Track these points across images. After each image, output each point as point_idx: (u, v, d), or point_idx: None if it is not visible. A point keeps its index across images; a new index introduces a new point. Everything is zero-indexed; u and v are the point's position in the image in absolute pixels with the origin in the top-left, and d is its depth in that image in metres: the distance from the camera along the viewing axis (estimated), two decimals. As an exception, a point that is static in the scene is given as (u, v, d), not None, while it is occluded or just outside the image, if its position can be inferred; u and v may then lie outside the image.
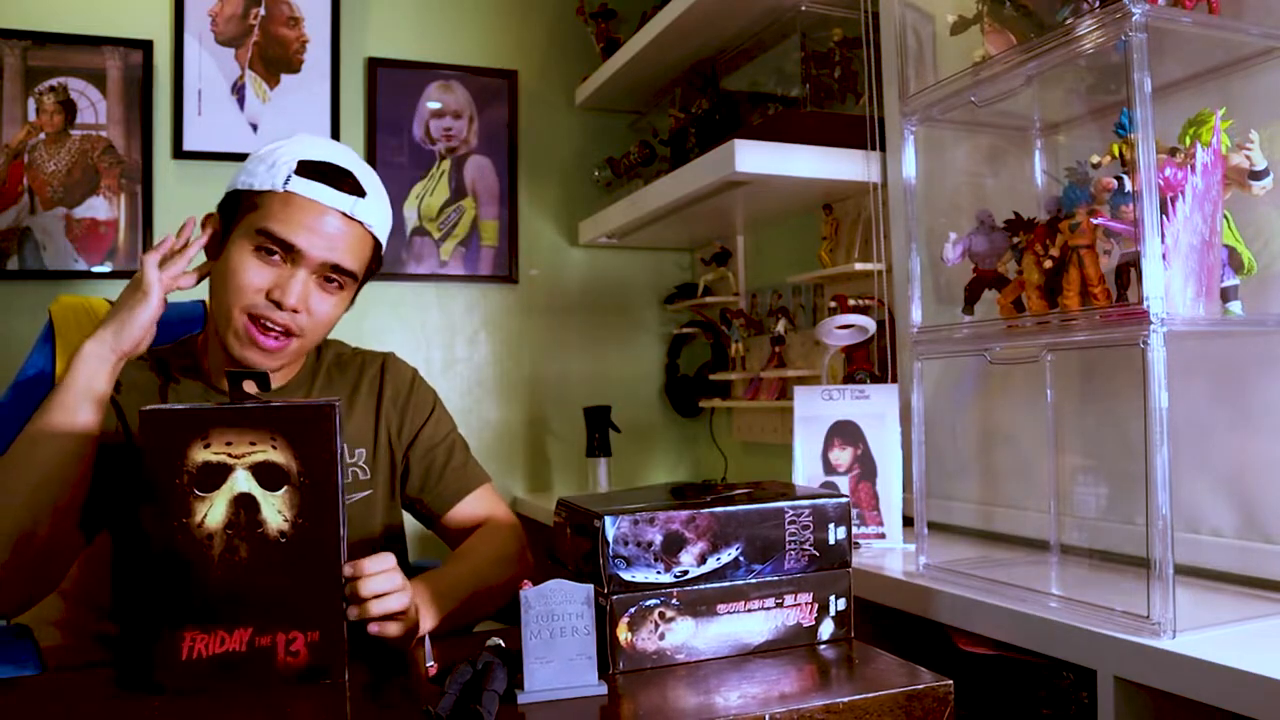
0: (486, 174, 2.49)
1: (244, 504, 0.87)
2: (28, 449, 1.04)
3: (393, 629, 0.94)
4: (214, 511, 0.87)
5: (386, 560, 0.94)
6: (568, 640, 0.81)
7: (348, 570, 0.91)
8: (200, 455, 0.87)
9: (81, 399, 1.05)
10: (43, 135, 2.12)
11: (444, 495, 1.30)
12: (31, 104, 2.12)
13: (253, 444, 0.88)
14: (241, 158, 2.22)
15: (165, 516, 0.87)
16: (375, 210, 1.17)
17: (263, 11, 2.29)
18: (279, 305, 1.11)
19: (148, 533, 0.87)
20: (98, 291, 2.05)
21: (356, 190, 1.15)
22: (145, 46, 2.19)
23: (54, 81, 2.13)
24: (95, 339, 1.08)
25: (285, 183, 1.11)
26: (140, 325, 1.09)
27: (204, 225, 1.19)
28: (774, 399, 2.12)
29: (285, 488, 0.88)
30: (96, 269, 2.15)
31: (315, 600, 0.89)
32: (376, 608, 0.92)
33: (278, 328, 1.12)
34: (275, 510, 0.88)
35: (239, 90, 2.27)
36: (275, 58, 2.30)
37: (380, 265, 1.25)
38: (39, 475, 1.03)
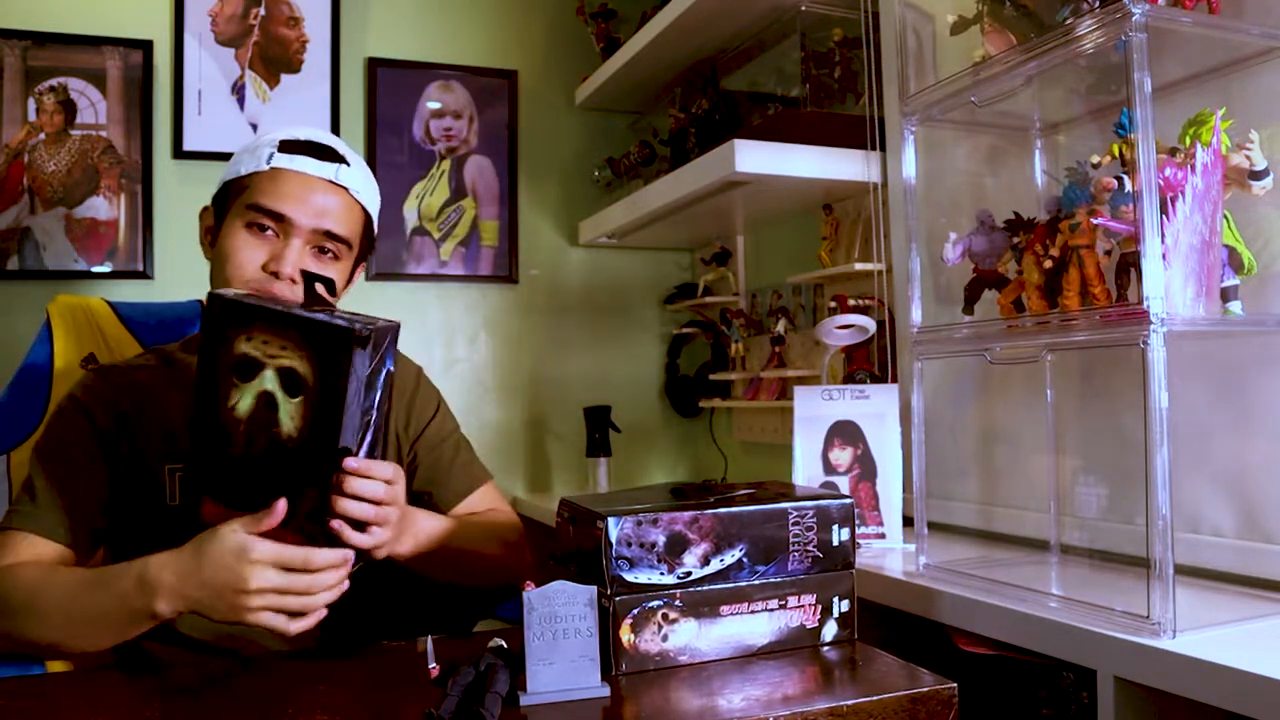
0: (486, 174, 2.49)
1: (266, 401, 0.93)
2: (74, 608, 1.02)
3: (357, 539, 0.97)
4: (243, 401, 0.94)
5: (386, 470, 0.98)
6: (570, 642, 0.81)
7: (351, 464, 0.94)
8: (242, 346, 0.94)
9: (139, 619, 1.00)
10: (43, 135, 2.12)
11: (450, 491, 1.31)
12: (31, 104, 2.12)
13: (283, 348, 0.93)
14: (241, 158, 2.24)
15: (210, 394, 0.94)
16: (360, 178, 1.20)
17: (263, 11, 2.29)
18: (277, 276, 1.12)
19: (194, 407, 0.96)
20: (98, 291, 2.05)
21: (339, 159, 1.18)
22: (145, 46, 2.19)
23: (54, 81, 2.13)
24: (169, 607, 0.98)
25: (269, 160, 1.15)
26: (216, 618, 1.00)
27: (200, 220, 1.23)
28: (774, 399, 2.12)
29: (300, 396, 0.92)
30: (96, 269, 2.15)
31: (313, 507, 0.93)
32: (353, 508, 0.95)
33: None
34: (288, 415, 0.93)
35: (239, 90, 2.27)
36: (275, 58, 2.30)
37: (373, 241, 1.27)
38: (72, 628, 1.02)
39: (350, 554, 0.97)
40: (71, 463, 1.14)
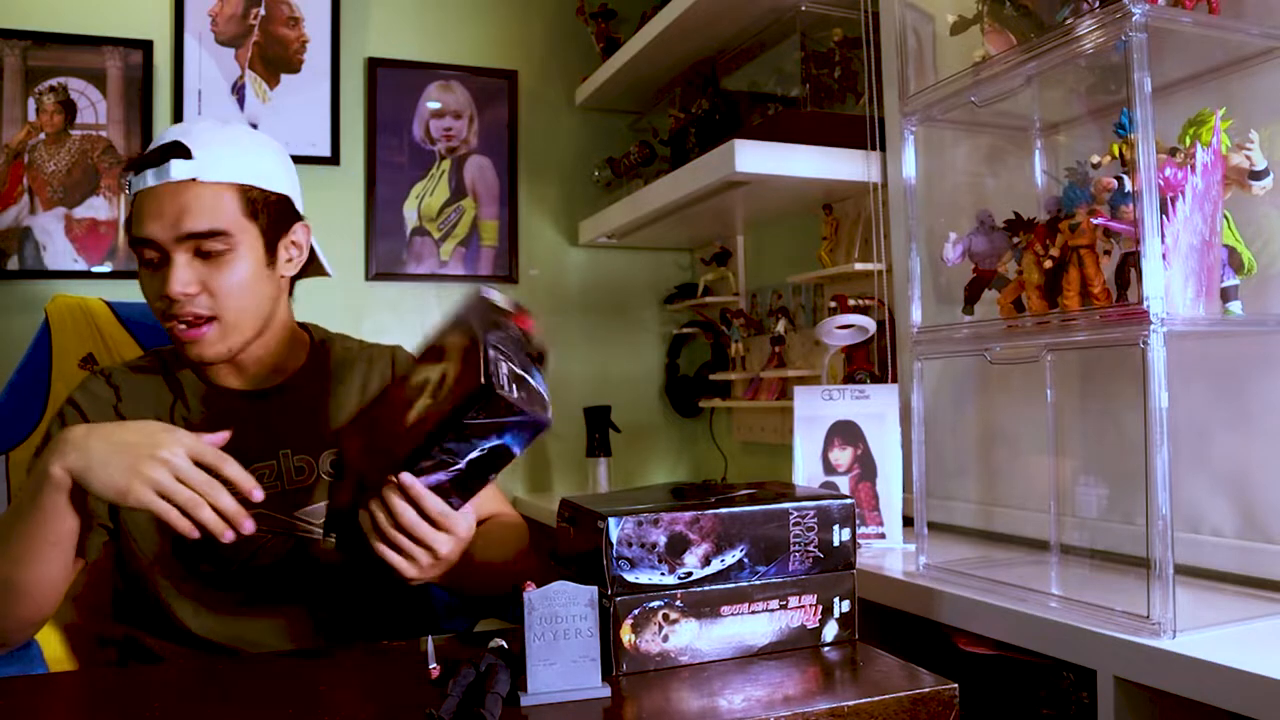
0: (486, 174, 2.49)
1: (435, 382, 0.96)
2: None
3: (409, 570, 0.95)
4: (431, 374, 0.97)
5: (444, 512, 0.95)
6: (571, 642, 0.81)
7: (406, 479, 0.91)
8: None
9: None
10: (43, 135, 2.12)
11: None
12: (31, 104, 2.12)
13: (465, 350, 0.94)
14: (241, 158, 2.24)
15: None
16: (212, 159, 1.10)
17: (263, 11, 2.29)
18: (172, 300, 1.09)
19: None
20: (98, 292, 2.05)
21: (179, 154, 1.09)
22: (145, 46, 2.19)
23: (54, 81, 2.13)
24: (61, 469, 0.95)
25: (130, 189, 1.12)
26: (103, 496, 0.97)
27: None
28: (774, 399, 2.12)
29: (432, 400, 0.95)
30: (96, 269, 2.15)
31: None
32: (381, 519, 0.94)
33: (187, 318, 1.11)
34: (421, 407, 0.95)
35: (239, 90, 2.27)
36: (275, 58, 2.30)
37: (280, 205, 1.17)
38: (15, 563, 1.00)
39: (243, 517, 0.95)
40: None
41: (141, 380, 1.21)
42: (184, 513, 0.91)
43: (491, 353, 0.87)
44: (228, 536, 0.93)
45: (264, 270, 1.15)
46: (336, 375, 1.27)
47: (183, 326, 1.11)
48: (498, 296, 0.98)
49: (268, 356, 1.22)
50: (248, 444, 1.18)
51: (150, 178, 1.09)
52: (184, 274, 1.09)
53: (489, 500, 1.33)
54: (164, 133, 1.15)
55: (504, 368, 0.88)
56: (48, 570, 1.00)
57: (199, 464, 0.94)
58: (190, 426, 1.14)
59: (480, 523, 1.30)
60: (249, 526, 0.94)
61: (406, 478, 0.91)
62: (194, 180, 1.09)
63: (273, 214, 1.16)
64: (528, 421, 0.90)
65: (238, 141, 1.15)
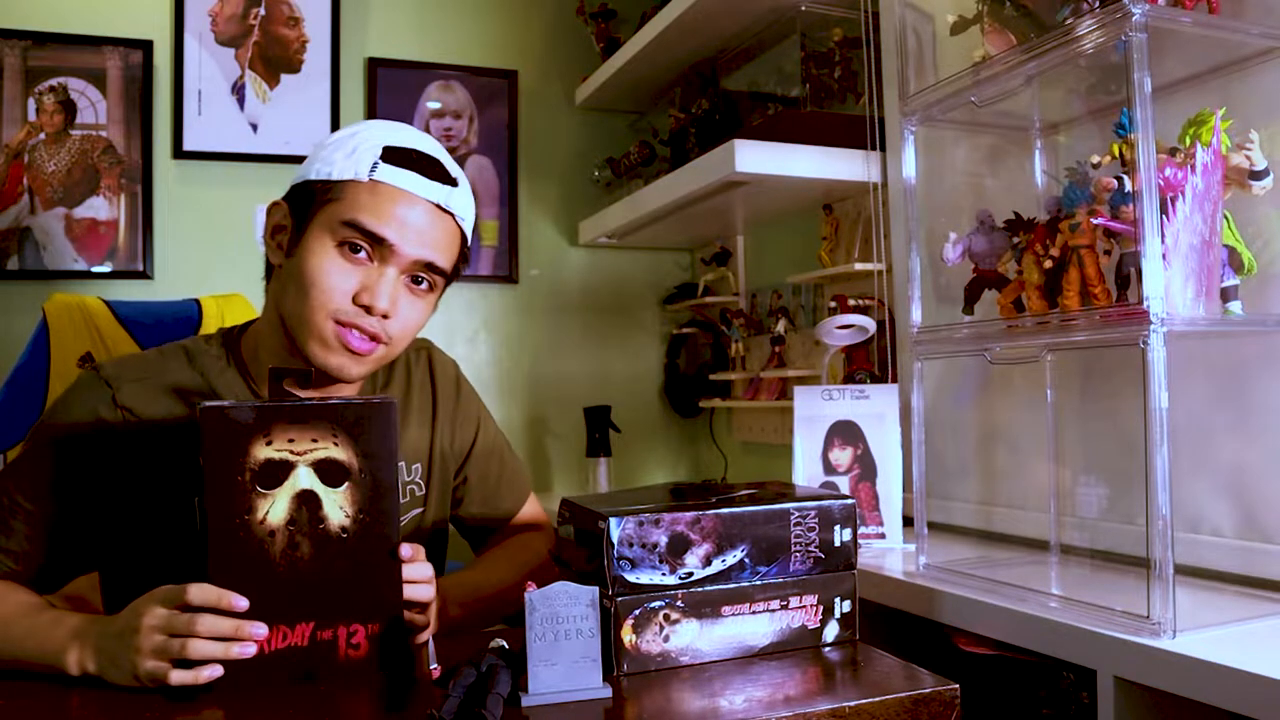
0: (486, 174, 2.49)
1: (306, 500, 0.87)
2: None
3: (420, 620, 0.94)
4: (276, 508, 0.86)
5: (420, 553, 0.94)
6: (572, 642, 0.81)
7: (406, 551, 0.90)
8: (263, 452, 0.86)
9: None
10: (43, 135, 2.12)
11: (499, 512, 1.27)
12: (31, 104, 2.12)
13: (314, 440, 0.87)
14: (241, 158, 2.24)
15: (227, 514, 0.85)
16: (466, 203, 1.07)
17: (263, 11, 2.29)
18: (368, 309, 0.99)
19: (208, 529, 0.84)
20: (98, 291, 2.05)
21: (448, 179, 1.04)
22: (145, 46, 2.19)
23: (54, 81, 2.13)
24: (77, 665, 0.88)
25: (371, 170, 0.99)
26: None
27: (269, 214, 1.06)
28: (774, 399, 2.12)
29: (346, 484, 0.88)
30: (96, 269, 2.15)
31: (376, 592, 0.89)
32: (417, 592, 0.92)
33: (365, 335, 1.01)
34: (337, 506, 0.87)
35: (239, 90, 2.27)
36: (275, 58, 2.30)
37: (467, 264, 1.12)
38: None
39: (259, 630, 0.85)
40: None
41: (150, 362, 1.09)
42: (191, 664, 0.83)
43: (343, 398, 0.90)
44: (246, 651, 0.84)
45: (427, 320, 1.09)
46: (381, 380, 1.19)
47: (359, 337, 1.01)
48: (227, 402, 0.87)
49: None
50: None
51: (418, 186, 1.01)
52: (394, 291, 1.01)
53: (527, 511, 1.30)
54: (406, 133, 1.05)
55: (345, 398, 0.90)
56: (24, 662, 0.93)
57: (187, 607, 0.84)
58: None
59: (507, 532, 1.28)
60: (258, 632, 0.85)
61: (406, 550, 0.91)
62: (452, 215, 1.04)
63: (460, 268, 1.11)
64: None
65: (469, 190, 1.09)
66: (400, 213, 1.00)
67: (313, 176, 1.02)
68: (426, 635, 0.94)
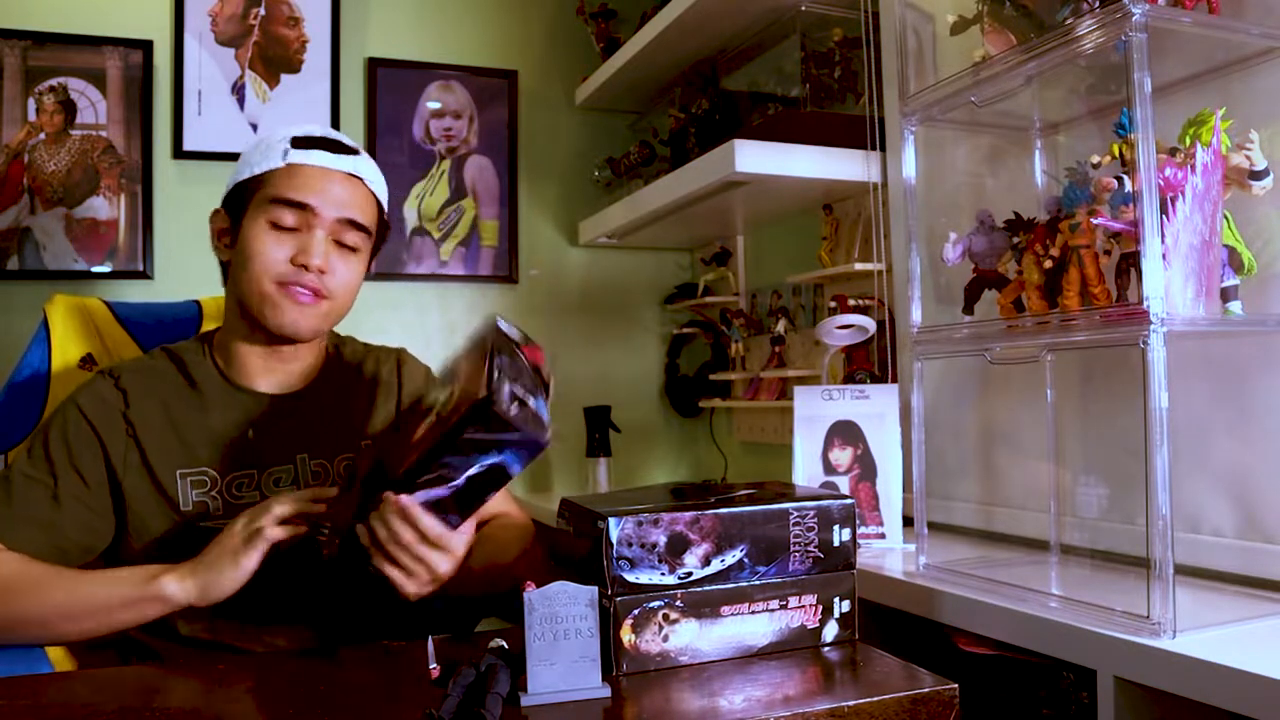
0: (486, 174, 2.49)
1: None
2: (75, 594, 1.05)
3: (408, 585, 0.98)
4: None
5: (438, 531, 0.98)
6: (571, 642, 0.81)
7: (399, 498, 0.94)
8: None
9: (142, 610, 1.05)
10: (43, 135, 2.12)
11: None
12: (31, 104, 2.12)
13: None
14: (241, 158, 2.24)
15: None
16: (372, 168, 1.23)
17: (263, 11, 2.29)
18: (305, 268, 1.14)
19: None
20: (98, 292, 2.05)
21: (352, 150, 1.21)
22: (145, 46, 2.19)
23: (54, 81, 2.13)
24: (179, 587, 1.03)
25: (284, 156, 1.16)
26: (226, 590, 1.04)
27: (211, 222, 1.23)
28: (774, 399, 2.12)
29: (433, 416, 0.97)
30: (96, 269, 2.15)
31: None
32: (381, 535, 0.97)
33: (307, 290, 1.15)
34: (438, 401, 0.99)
35: (239, 90, 2.27)
36: (275, 58, 2.30)
37: (388, 231, 1.30)
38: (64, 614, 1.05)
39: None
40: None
41: (150, 373, 1.21)
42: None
43: (496, 372, 0.88)
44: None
45: (362, 276, 1.24)
46: (349, 379, 1.29)
47: (302, 291, 1.15)
48: (511, 328, 0.99)
49: (307, 358, 1.25)
50: (266, 447, 1.19)
51: (325, 159, 1.17)
52: (325, 248, 1.16)
53: (495, 500, 1.32)
54: (305, 126, 1.22)
55: (507, 388, 0.89)
56: (93, 631, 1.06)
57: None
58: (204, 418, 1.18)
59: (484, 522, 1.30)
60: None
61: (404, 500, 0.93)
62: (360, 179, 1.20)
63: (380, 237, 1.27)
64: (526, 441, 0.90)
65: (372, 160, 1.26)
66: (315, 183, 1.16)
67: (240, 178, 1.19)
68: (415, 588, 0.99)
